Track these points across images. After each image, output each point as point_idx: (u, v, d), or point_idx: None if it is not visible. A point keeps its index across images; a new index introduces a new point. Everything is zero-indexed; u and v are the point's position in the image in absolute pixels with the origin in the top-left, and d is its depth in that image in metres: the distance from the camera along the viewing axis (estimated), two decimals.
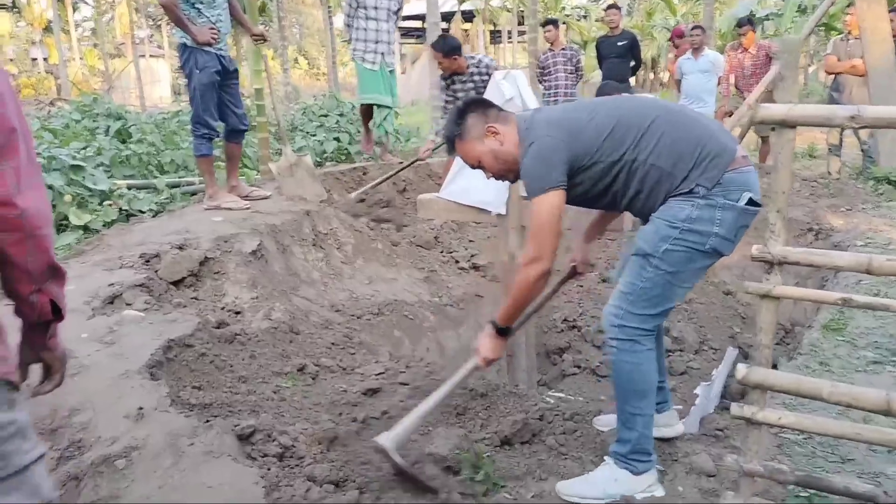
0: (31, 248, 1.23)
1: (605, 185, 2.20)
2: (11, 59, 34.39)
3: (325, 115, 9.03)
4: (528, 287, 2.18)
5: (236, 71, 4.82)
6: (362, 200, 5.75)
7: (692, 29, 8.14)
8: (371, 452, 2.24)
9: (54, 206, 5.31)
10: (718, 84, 7.67)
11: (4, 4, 32.06)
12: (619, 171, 2.16)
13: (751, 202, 2.10)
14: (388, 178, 6.06)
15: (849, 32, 7.05)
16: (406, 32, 33.54)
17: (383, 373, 3.24)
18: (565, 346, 4.81)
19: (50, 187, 5.28)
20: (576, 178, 2.18)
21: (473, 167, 2.37)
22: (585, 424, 2.64)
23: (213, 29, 4.45)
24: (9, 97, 1.18)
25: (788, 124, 1.75)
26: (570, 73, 8.00)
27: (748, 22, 7.74)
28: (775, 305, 1.88)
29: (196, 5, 4.50)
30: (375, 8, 6.09)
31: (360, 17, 6.16)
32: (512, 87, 3.26)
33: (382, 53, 6.22)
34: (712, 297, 5.71)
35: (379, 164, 6.97)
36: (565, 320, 4.73)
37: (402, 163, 6.53)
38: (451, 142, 2.35)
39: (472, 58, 5.87)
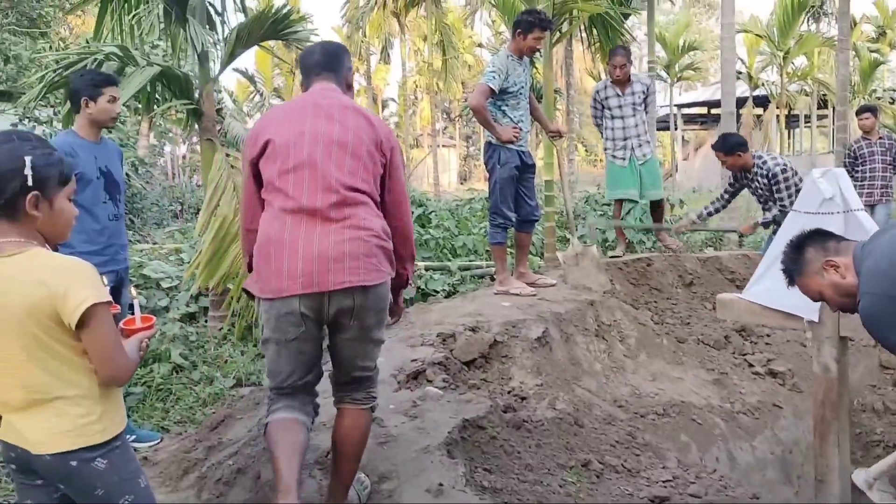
0: (404, 244, 2.55)
1: None
2: None
3: (608, 205, 9.10)
4: None
5: (533, 165, 5.08)
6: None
7: None
8: None
9: None
10: None
11: None
12: None
13: None
14: (651, 230, 5.86)
15: None
16: (690, 119, 32.91)
17: (671, 480, 3.07)
18: None
19: None
20: None
21: (814, 300, 2.37)
22: None
23: (515, 128, 4.76)
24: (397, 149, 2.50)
25: None
26: (889, 165, 7.20)
27: None
28: None
29: (502, 107, 4.84)
30: (620, 107, 6.09)
31: (606, 118, 6.20)
32: (832, 185, 3.01)
33: (632, 148, 6.16)
34: None
35: (662, 253, 6.78)
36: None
37: (679, 250, 6.40)
38: (791, 276, 2.37)
39: (759, 157, 5.56)
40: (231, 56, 5.12)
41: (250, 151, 2.37)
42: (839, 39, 10.60)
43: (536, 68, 8.52)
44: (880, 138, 7.38)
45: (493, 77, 4.63)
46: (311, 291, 2.17)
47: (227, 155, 5.07)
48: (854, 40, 25.41)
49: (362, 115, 2.41)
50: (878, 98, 25.76)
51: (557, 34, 6.35)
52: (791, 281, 2.38)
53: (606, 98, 6.17)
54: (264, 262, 2.24)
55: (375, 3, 19.58)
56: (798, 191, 5.18)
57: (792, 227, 3.09)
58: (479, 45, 34.50)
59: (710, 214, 5.97)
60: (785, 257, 2.39)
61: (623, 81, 6.06)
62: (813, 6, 22.29)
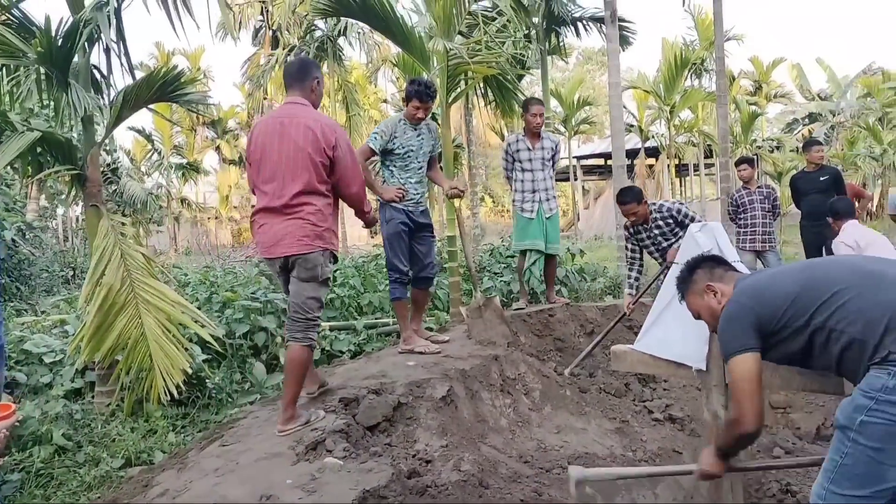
0: (354, 202, 3.78)
1: (802, 350, 2.25)
2: (235, 206, 39.17)
3: (512, 256, 9.26)
4: (735, 443, 2.38)
5: (429, 224, 5.13)
6: (576, 375, 5.59)
7: None
8: None
9: (266, 347, 5.82)
10: None
11: (234, 160, 36.93)
12: (812, 336, 2.19)
13: None
14: (597, 344, 5.88)
15: None
16: (588, 170, 34.26)
17: None
18: None
19: (264, 329, 5.81)
20: (771, 341, 2.27)
21: (696, 318, 2.59)
22: None
23: (400, 188, 4.88)
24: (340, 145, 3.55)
25: None
26: (767, 212, 7.68)
27: None
28: None
29: (390, 167, 5.03)
30: (530, 160, 6.32)
31: (517, 170, 6.41)
32: (709, 239, 3.17)
33: (540, 201, 6.37)
34: None
35: (558, 307, 6.87)
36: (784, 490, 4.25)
37: (569, 304, 6.58)
38: (681, 293, 2.62)
39: (654, 204, 5.83)
40: (118, 119, 4.95)
41: (249, 156, 3.69)
42: (718, 95, 11.32)
43: None
44: (759, 187, 7.88)
45: (375, 139, 4.91)
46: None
47: (114, 221, 4.86)
48: (734, 94, 27.36)
49: (311, 130, 3.48)
50: (759, 147, 27.67)
51: (453, 95, 6.49)
52: (681, 297, 2.62)
53: (518, 151, 6.34)
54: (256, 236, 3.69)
55: (277, 61, 19.55)
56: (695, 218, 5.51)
57: (675, 279, 3.22)
58: (384, 101, 34.96)
59: (637, 280, 6.05)
60: (680, 274, 2.61)
61: (536, 134, 6.28)
62: (695, 63, 23.81)
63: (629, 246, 6.02)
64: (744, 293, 2.33)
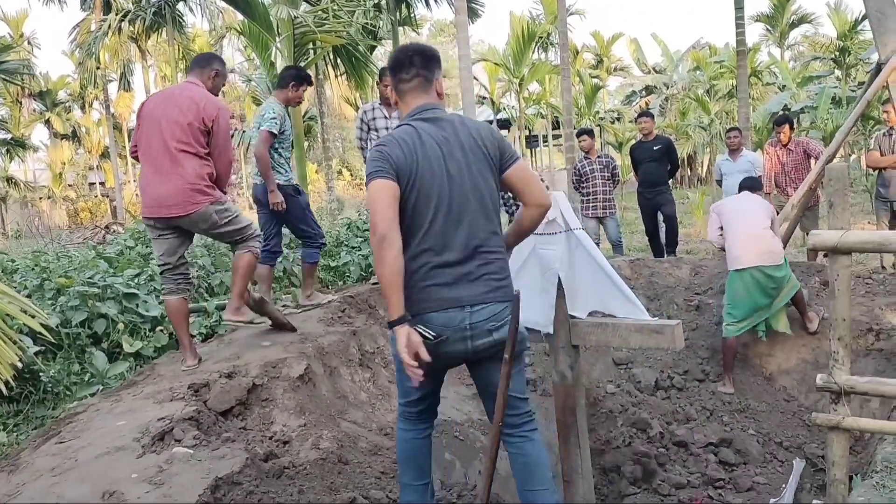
0: (222, 175, 4.11)
1: None
2: (70, 185, 36.31)
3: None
4: (378, 258, 2.40)
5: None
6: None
7: (728, 131, 8.23)
8: None
9: (108, 335, 5.45)
10: None
11: (66, 135, 34.15)
12: None
13: None
14: None
15: (890, 127, 7.01)
16: None
17: None
18: (622, 462, 4.63)
19: (104, 316, 5.44)
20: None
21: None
22: None
23: (278, 203, 5.10)
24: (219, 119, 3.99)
25: (842, 251, 1.71)
26: (607, 180, 8.11)
27: (785, 120, 7.72)
28: (846, 437, 1.78)
29: (278, 149, 5.15)
30: (387, 129, 6.28)
31: (372, 140, 6.38)
32: (554, 209, 3.29)
33: None
34: (773, 402, 5.48)
35: None
36: (628, 424, 4.56)
37: None
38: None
39: None
40: None
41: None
42: (562, 68, 11.79)
43: None
44: (599, 157, 8.29)
45: (275, 123, 5.04)
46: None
47: None
48: (578, 67, 28.56)
49: (194, 102, 3.90)
50: (601, 118, 29.15)
51: (302, 64, 6.31)
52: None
53: (374, 119, 6.24)
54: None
55: (110, 27, 18.08)
56: None
57: (522, 247, 3.33)
58: (232, 71, 33.44)
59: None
60: None
61: (391, 103, 6.21)
62: (541, 37, 24.58)
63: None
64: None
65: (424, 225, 2.49)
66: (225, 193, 4.23)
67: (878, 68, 6.09)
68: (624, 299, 3.25)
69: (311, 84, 5.34)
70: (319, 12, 6.25)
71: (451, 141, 2.55)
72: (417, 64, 2.62)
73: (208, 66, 4.20)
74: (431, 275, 2.49)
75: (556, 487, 2.73)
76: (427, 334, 2.44)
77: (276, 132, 5.04)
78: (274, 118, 5.05)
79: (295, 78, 5.28)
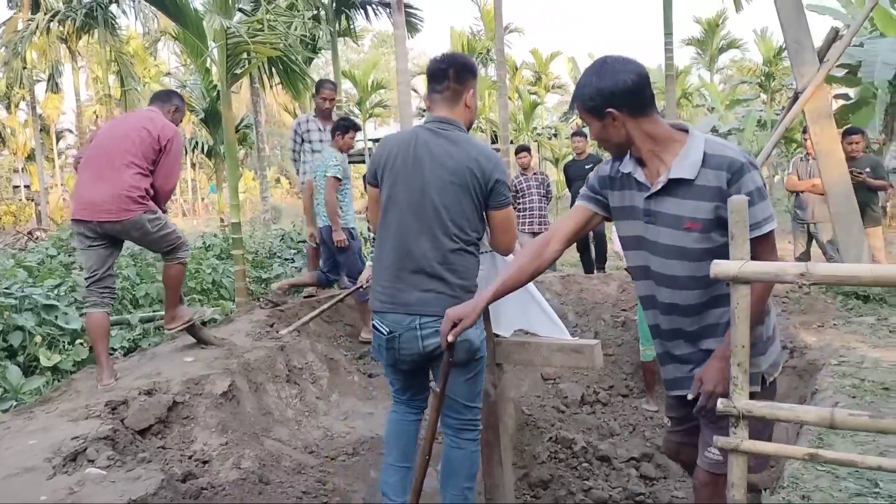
0: (162, 196, 4.22)
1: None
2: None
3: (304, 241, 9.11)
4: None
5: None
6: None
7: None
8: None
9: (24, 348, 5.23)
10: None
11: None
12: None
13: None
14: (321, 312, 5.77)
15: (807, 153, 7.33)
16: None
17: None
18: (548, 479, 4.69)
19: (20, 328, 5.22)
20: None
21: None
22: None
23: (342, 241, 5.78)
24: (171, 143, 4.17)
25: (741, 280, 1.79)
26: (542, 196, 8.25)
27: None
28: (744, 460, 1.86)
29: (341, 191, 5.79)
30: (321, 141, 6.28)
31: (306, 151, 6.36)
32: None
33: None
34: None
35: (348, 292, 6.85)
36: (553, 440, 4.63)
37: (360, 288, 6.31)
38: None
39: None
40: None
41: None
42: (499, 85, 11.95)
43: None
44: (535, 174, 8.44)
45: (339, 170, 5.62)
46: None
47: None
48: (517, 84, 29.00)
49: (153, 121, 4.13)
50: (539, 134, 29.64)
51: (233, 74, 6.22)
52: None
53: (308, 131, 6.18)
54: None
55: (38, 27, 17.41)
56: None
57: None
58: (168, 74, 32.69)
59: None
60: None
61: (327, 116, 6.18)
62: (481, 53, 24.86)
63: None
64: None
65: (386, 223, 2.74)
66: (165, 213, 4.32)
67: (796, 96, 6.38)
68: (546, 319, 3.31)
69: (357, 130, 5.87)
70: (254, 23, 6.19)
71: (438, 154, 2.69)
72: (451, 77, 2.73)
73: (169, 101, 4.44)
74: (386, 275, 2.74)
75: (468, 496, 2.91)
76: (381, 328, 2.73)
77: (340, 177, 5.63)
78: (338, 165, 5.60)
79: (340, 128, 5.80)
